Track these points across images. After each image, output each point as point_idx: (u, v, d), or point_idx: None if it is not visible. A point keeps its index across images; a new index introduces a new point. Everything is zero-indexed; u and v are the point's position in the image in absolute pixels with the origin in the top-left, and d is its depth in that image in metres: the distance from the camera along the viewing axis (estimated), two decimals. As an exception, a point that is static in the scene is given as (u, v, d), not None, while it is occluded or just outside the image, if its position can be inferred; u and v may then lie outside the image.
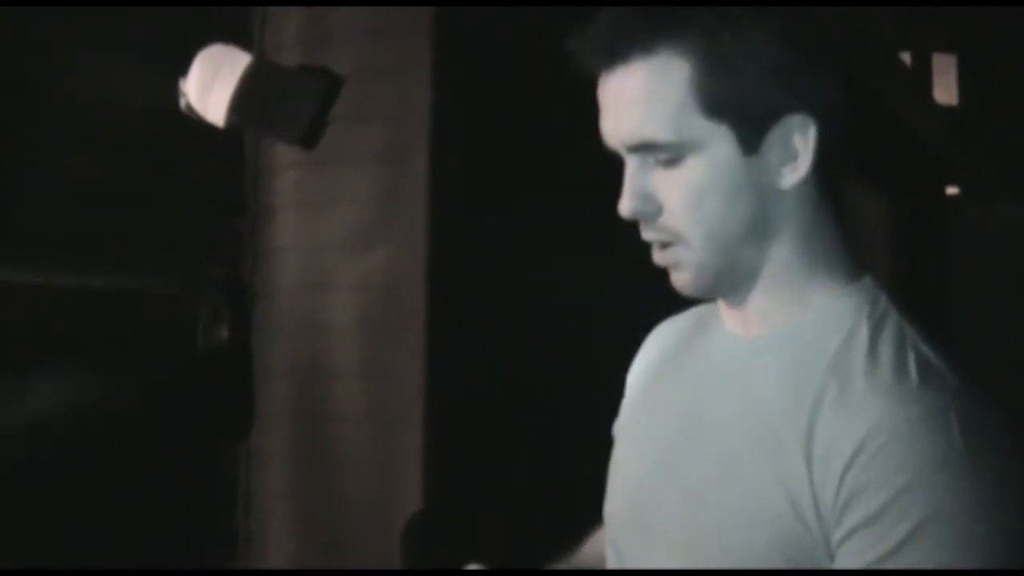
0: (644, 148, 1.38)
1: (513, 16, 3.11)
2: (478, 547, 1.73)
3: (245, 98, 2.84)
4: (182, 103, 2.89)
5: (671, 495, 1.45)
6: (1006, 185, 5.71)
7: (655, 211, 1.40)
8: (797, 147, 1.38)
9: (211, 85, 2.84)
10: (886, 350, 1.35)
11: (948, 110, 5.86)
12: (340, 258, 3.23)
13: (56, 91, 3.04)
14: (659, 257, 1.43)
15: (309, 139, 3.02)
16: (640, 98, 1.36)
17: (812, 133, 1.38)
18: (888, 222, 6.67)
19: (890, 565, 1.26)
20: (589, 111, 1.44)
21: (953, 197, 6.24)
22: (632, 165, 1.40)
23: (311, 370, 3.27)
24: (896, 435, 1.27)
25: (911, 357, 1.34)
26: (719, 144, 1.36)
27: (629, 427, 1.63)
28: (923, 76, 5.70)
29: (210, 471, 3.27)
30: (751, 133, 1.36)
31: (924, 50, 5.65)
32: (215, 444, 3.14)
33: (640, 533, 1.49)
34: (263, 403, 3.30)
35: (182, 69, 2.83)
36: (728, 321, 1.49)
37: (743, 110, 1.36)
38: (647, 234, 1.43)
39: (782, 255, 1.41)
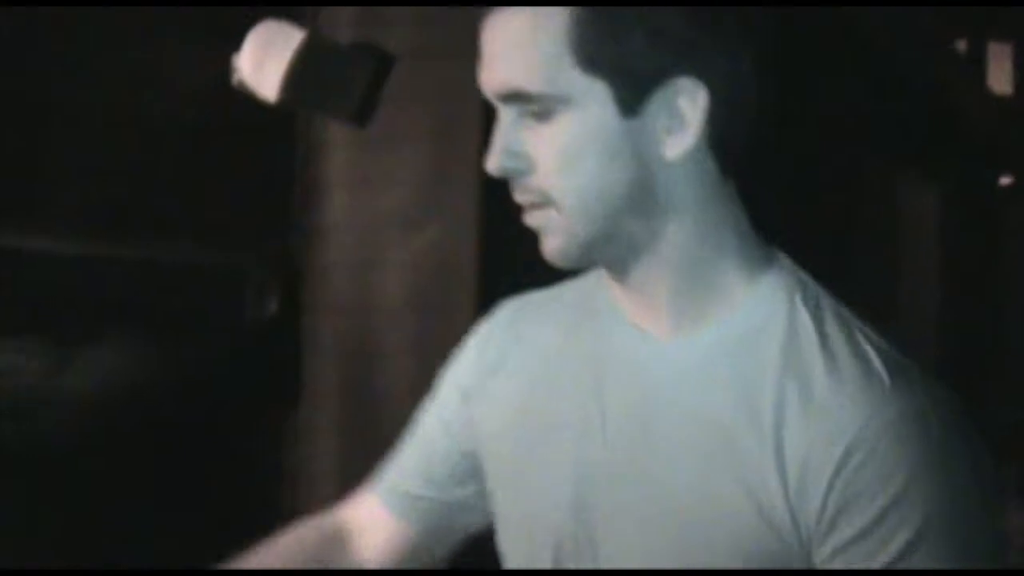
0: (516, 98, 1.28)
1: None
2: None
3: (298, 75, 2.83)
4: (234, 79, 2.89)
5: (610, 529, 1.33)
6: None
7: (525, 169, 1.28)
8: (684, 113, 1.25)
9: (264, 61, 2.83)
10: (837, 341, 1.25)
11: (1003, 99, 5.79)
12: (391, 237, 3.23)
13: (110, 66, 3.05)
14: (528, 219, 1.33)
15: (362, 117, 3.01)
16: (516, 45, 1.26)
17: (702, 99, 1.25)
18: (940, 212, 6.62)
19: None
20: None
21: (1006, 187, 6.19)
22: (505, 119, 1.30)
23: (361, 349, 3.27)
24: (882, 441, 1.19)
25: (867, 347, 1.25)
26: (593, 102, 1.24)
27: (523, 457, 1.44)
28: (978, 64, 5.64)
29: (258, 447, 3.28)
30: (631, 93, 1.24)
31: (979, 38, 5.59)
32: (261, 418, 3.15)
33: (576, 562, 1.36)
34: (312, 381, 3.30)
35: (235, 45, 2.84)
36: (632, 313, 1.36)
37: (623, 67, 1.23)
38: (516, 195, 1.32)
39: (679, 236, 1.29)
